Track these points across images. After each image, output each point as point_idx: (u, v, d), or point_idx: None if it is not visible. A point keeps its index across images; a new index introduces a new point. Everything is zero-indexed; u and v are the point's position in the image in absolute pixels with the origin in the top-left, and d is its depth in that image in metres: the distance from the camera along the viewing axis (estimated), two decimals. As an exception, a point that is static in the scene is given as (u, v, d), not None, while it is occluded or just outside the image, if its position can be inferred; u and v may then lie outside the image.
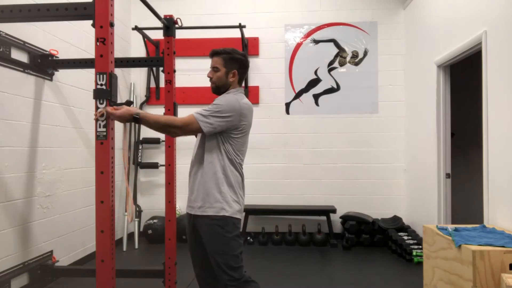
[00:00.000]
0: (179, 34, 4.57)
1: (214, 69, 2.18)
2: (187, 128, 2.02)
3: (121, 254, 4.50)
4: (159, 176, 5.26)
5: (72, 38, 3.88)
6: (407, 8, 5.05)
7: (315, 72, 5.24)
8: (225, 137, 2.09)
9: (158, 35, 4.90)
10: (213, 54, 2.20)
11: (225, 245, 2.04)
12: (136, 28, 4.92)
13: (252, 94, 5.22)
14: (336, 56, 5.22)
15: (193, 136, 2.24)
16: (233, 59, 2.18)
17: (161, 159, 5.18)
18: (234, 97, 2.12)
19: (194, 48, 5.29)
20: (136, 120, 1.96)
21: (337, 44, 5.22)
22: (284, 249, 4.72)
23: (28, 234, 3.25)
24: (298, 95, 5.26)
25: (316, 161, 5.20)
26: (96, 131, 1.84)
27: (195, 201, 2.11)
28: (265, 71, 5.28)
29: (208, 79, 2.20)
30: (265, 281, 3.56)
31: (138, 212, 5.04)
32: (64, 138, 3.75)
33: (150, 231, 4.86)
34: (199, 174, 2.11)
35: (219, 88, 2.20)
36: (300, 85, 5.26)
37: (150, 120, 1.99)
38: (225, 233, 2.04)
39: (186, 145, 4.98)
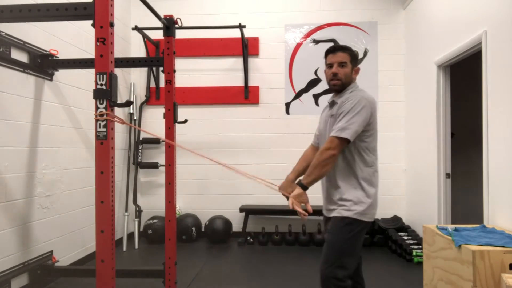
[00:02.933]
0: (179, 34, 4.57)
1: (341, 64, 2.10)
2: (336, 152, 2.03)
3: (121, 254, 4.50)
4: (159, 176, 5.26)
5: (72, 38, 3.88)
6: (407, 8, 5.05)
7: (315, 72, 5.23)
8: (359, 136, 2.06)
9: (158, 35, 4.90)
10: (338, 49, 2.12)
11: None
12: (136, 28, 4.92)
13: (252, 94, 5.23)
14: (336, 56, 5.22)
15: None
16: (356, 57, 2.16)
17: (161, 159, 5.18)
18: (359, 95, 2.07)
19: (194, 48, 5.29)
20: (306, 187, 2.10)
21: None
22: (284, 249, 4.72)
23: (28, 234, 3.25)
24: (298, 95, 5.26)
25: (316, 161, 5.19)
26: (96, 131, 1.83)
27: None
28: (265, 71, 5.28)
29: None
30: (265, 281, 3.57)
31: (138, 212, 5.04)
32: (64, 138, 3.75)
33: (150, 231, 4.87)
34: (335, 176, 2.21)
35: (343, 86, 2.13)
36: (300, 85, 5.26)
37: (313, 177, 2.07)
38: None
39: (187, 145, 5.02)
